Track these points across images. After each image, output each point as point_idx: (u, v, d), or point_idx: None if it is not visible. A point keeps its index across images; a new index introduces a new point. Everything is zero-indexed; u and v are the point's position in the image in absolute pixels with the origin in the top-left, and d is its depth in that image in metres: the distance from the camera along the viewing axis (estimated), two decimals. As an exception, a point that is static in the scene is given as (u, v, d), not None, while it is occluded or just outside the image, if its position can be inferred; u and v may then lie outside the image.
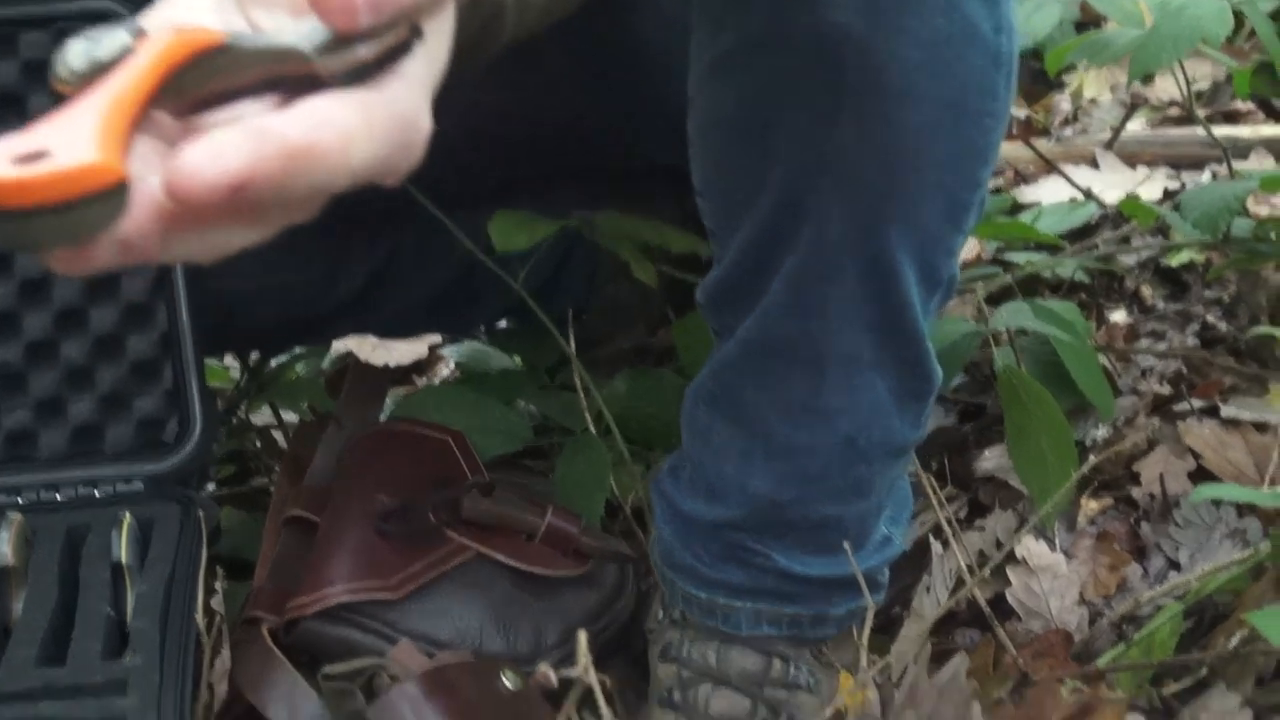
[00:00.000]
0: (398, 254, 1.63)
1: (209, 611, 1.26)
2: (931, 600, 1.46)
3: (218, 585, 1.29)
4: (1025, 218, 2.16)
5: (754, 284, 1.15)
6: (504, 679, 1.25)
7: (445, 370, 2.14)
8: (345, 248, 1.59)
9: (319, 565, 1.37)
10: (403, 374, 2.10)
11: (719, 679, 1.24)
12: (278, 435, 1.77)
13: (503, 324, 1.86)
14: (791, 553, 1.23)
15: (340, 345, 1.93)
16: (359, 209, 1.55)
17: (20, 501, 1.38)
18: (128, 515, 1.33)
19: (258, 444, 1.81)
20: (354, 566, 1.36)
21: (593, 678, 0.76)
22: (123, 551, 1.30)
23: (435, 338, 2.15)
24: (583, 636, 0.78)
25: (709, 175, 1.17)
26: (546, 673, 0.77)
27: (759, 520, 1.23)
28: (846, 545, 1.22)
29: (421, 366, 2.15)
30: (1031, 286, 2.01)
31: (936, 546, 1.48)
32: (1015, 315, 1.64)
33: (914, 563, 1.48)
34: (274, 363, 1.81)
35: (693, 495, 1.25)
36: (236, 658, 1.27)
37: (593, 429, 1.55)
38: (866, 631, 1.25)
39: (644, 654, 1.36)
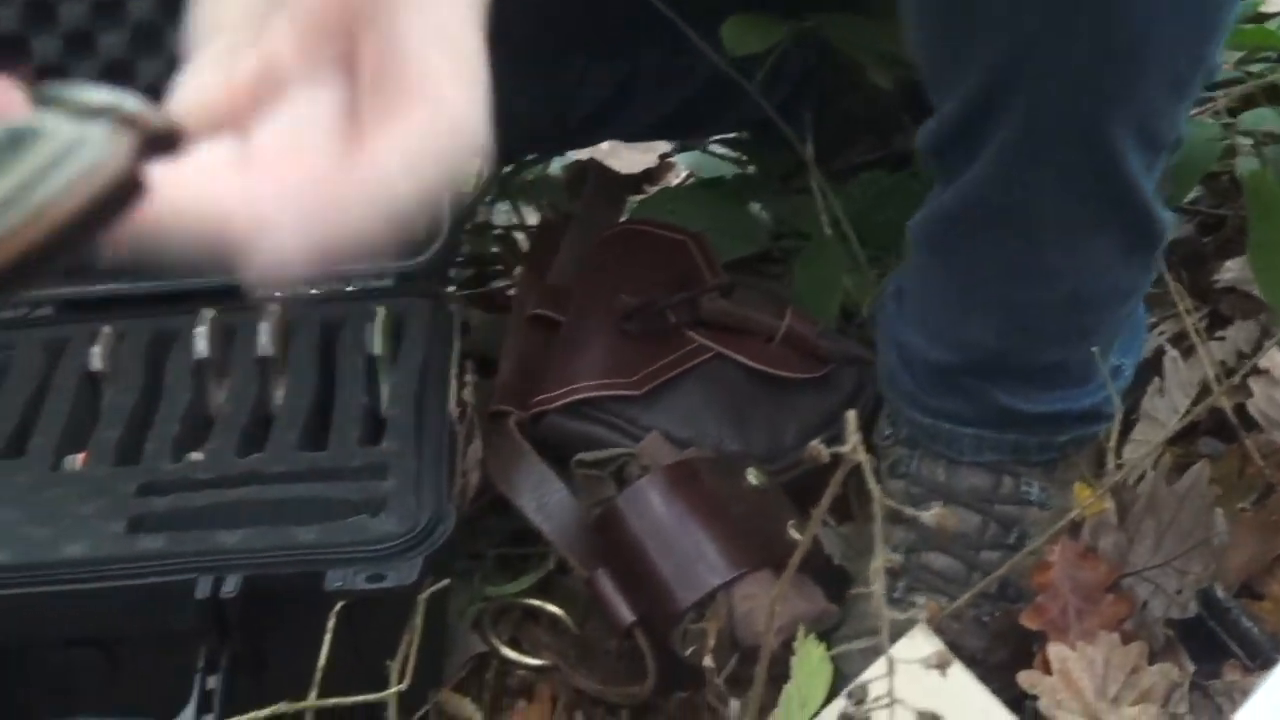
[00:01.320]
0: (642, 69, 1.63)
1: (460, 402, 1.30)
2: (1166, 404, 1.44)
3: (468, 378, 1.33)
4: (1273, 25, 2.09)
5: (965, 149, 1.12)
6: (748, 475, 1.27)
7: (675, 179, 2.15)
8: (584, 68, 1.60)
9: (563, 362, 1.41)
10: (634, 182, 2.11)
11: (948, 496, 1.25)
12: (518, 237, 1.80)
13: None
14: (1014, 391, 1.22)
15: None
16: (605, 23, 1.56)
17: (276, 294, 1.42)
18: (382, 309, 1.38)
19: (495, 248, 1.84)
20: (597, 363, 1.39)
21: (861, 455, 0.77)
22: (377, 344, 1.35)
23: (665, 146, 2.16)
24: (851, 415, 0.79)
25: (923, 36, 1.13)
26: (818, 448, 0.78)
27: (978, 365, 1.22)
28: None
29: (652, 174, 2.16)
30: (1276, 95, 1.95)
31: (1173, 353, 1.47)
32: (1261, 120, 1.59)
33: (1148, 369, 1.47)
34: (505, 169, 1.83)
35: (913, 329, 1.24)
36: (487, 448, 1.31)
37: (829, 233, 1.55)
38: (1113, 440, 1.25)
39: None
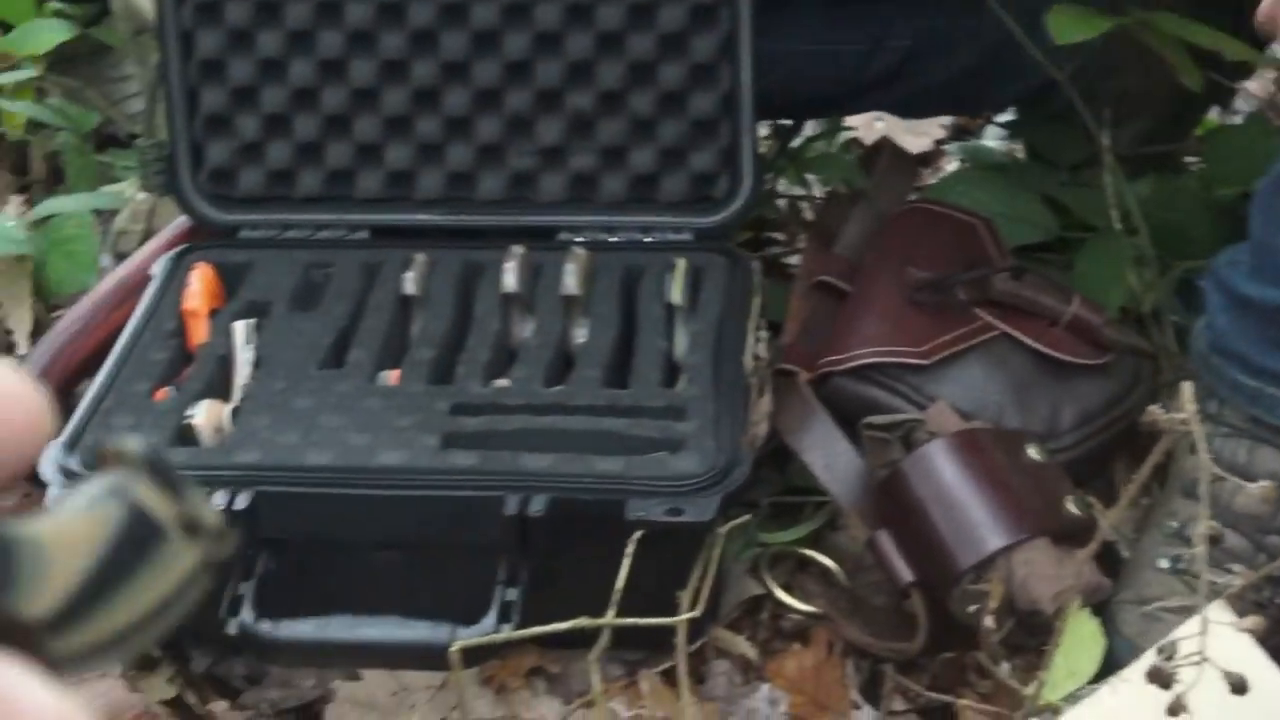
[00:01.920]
0: (930, 32, 1.67)
1: (755, 356, 1.35)
2: None
3: (762, 334, 1.38)
4: None
5: None
6: (1029, 449, 1.31)
7: (949, 166, 2.18)
8: (889, 20, 1.64)
9: (851, 327, 1.45)
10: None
11: (1245, 477, 1.27)
12: (803, 205, 1.85)
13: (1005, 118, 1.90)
14: None
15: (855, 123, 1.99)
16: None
17: (579, 239, 1.49)
18: (682, 260, 1.43)
19: (775, 214, 1.89)
20: (885, 330, 1.43)
21: (1196, 425, 0.80)
22: (676, 293, 1.40)
23: (940, 133, 2.20)
24: (1187, 386, 0.82)
25: None
26: (1157, 411, 0.82)
27: None
28: None
29: (927, 159, 2.19)
30: None
31: None
32: None
33: None
34: (795, 141, 1.88)
35: (1256, 281, 1.27)
36: (777, 403, 1.36)
37: (1119, 226, 1.57)
38: None
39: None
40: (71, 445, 1.26)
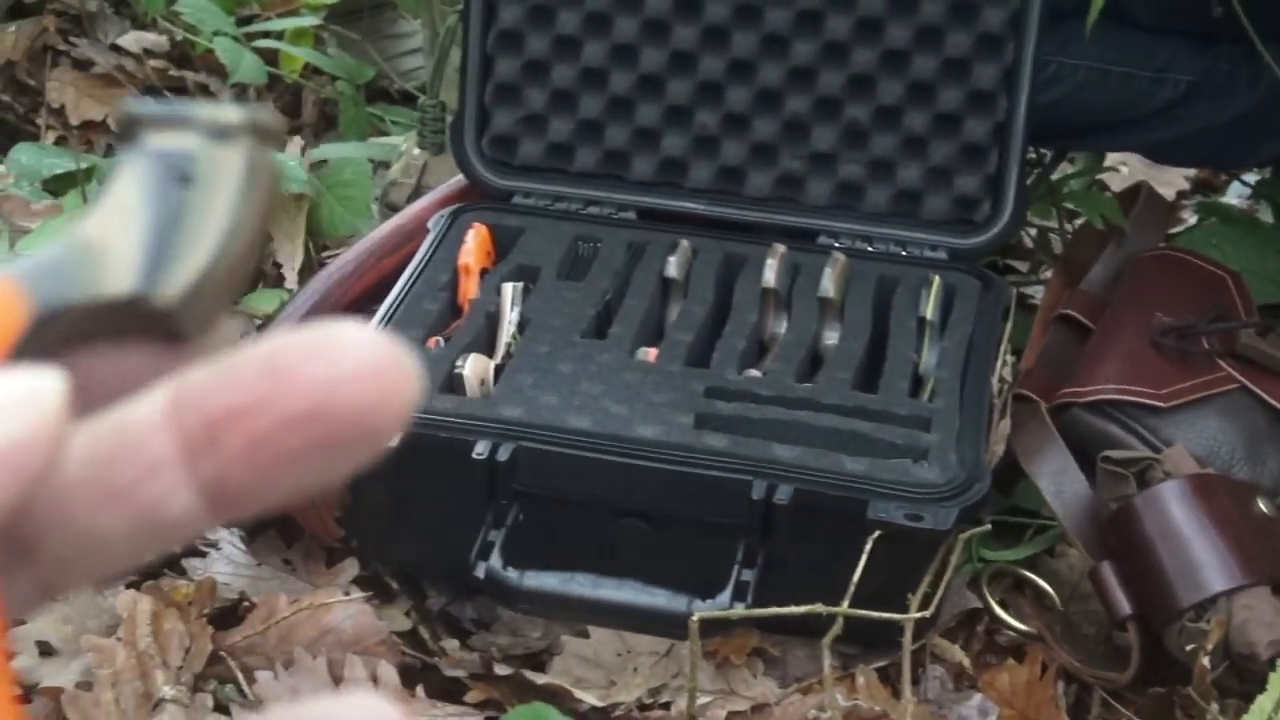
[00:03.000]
0: (1212, 72, 1.68)
1: (1000, 379, 1.39)
2: None
3: (1008, 359, 1.42)
4: None
5: None
6: (1259, 502, 1.34)
7: (1189, 219, 2.19)
8: (1175, 53, 1.66)
9: (1093, 362, 1.48)
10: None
11: None
12: (1053, 238, 1.88)
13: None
14: None
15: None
16: (1189, 18, 1.63)
17: (837, 245, 1.54)
18: (937, 278, 1.48)
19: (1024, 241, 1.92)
20: (1127, 370, 1.47)
21: None
22: (929, 308, 1.45)
23: (1183, 184, 2.21)
24: None
25: None
26: None
27: None
28: None
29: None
30: None
31: None
32: None
33: None
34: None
35: None
36: (1015, 426, 1.40)
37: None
38: None
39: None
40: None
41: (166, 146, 0.37)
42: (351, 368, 0.31)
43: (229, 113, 0.38)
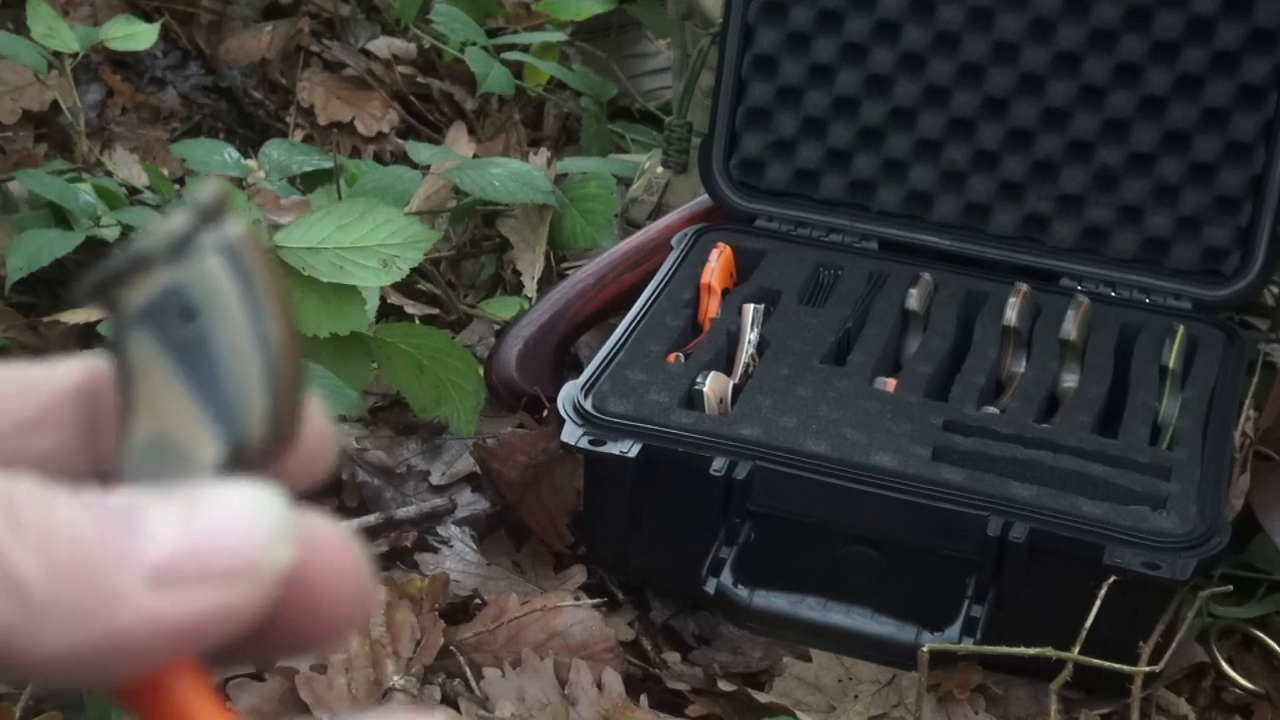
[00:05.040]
0: None
1: (1243, 434, 1.37)
2: None
3: (1250, 414, 1.40)
4: None
5: None
6: None
7: None
8: None
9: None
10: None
11: None
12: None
13: None
14: None
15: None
16: None
17: (1079, 288, 1.53)
18: (1181, 327, 1.46)
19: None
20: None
21: None
22: (1172, 358, 1.44)
23: None
24: None
25: None
26: None
27: None
28: None
29: None
30: None
31: None
32: None
33: None
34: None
35: None
36: (1254, 482, 1.38)
37: None
38: None
39: None
40: (587, 389, 1.36)
41: (148, 297, 0.36)
42: None
43: (176, 221, 0.36)
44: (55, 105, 2.10)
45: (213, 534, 0.34)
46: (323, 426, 0.38)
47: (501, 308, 1.75)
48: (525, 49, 2.19)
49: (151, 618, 0.33)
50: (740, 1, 1.59)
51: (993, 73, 1.55)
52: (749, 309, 1.48)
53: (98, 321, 1.73)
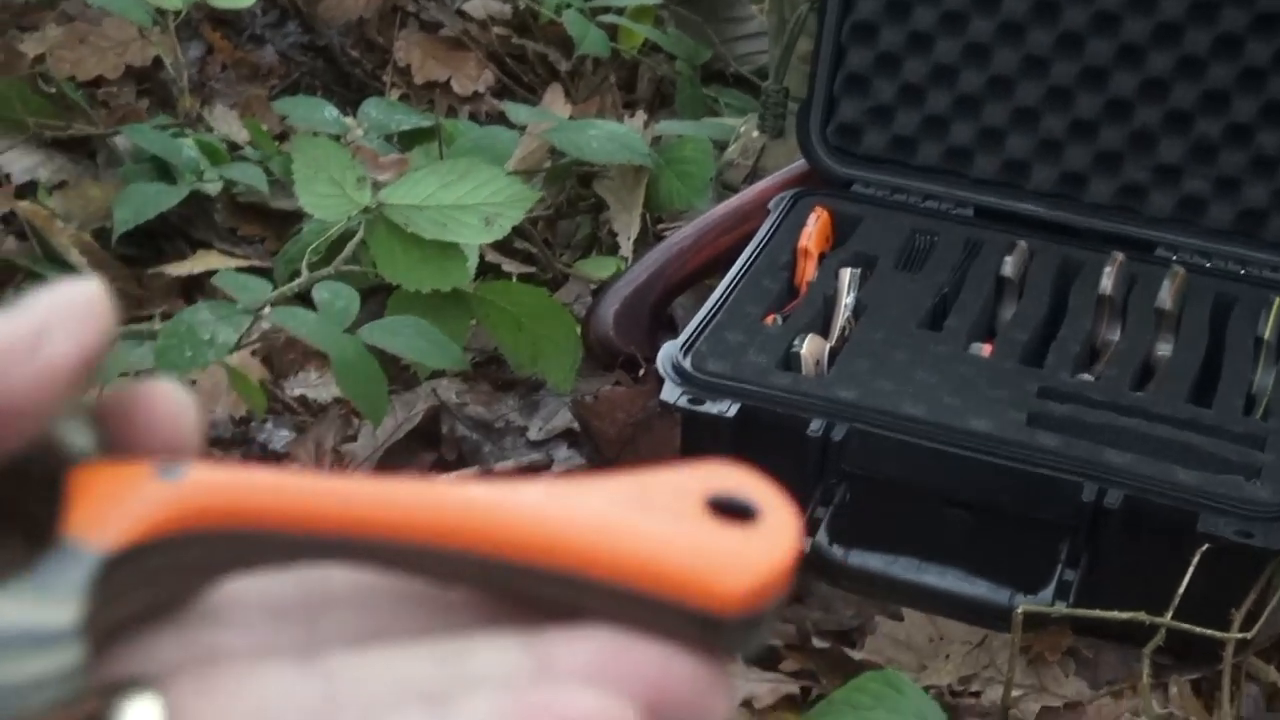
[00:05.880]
0: None
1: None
2: None
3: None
4: None
5: None
6: None
7: None
8: None
9: None
10: None
11: None
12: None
13: None
14: None
15: None
16: None
17: (1174, 259, 1.54)
18: (1277, 299, 1.47)
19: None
20: None
21: None
22: (1268, 329, 1.44)
23: None
24: None
25: None
26: None
27: None
28: None
29: None
30: None
31: None
32: None
33: None
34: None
35: None
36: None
37: None
38: None
39: None
40: (686, 349, 1.38)
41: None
42: None
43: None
44: (157, 61, 2.14)
45: None
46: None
47: (597, 267, 1.77)
48: (620, 12, 2.20)
49: None
50: (842, -32, 1.60)
51: (1092, 43, 1.55)
52: (846, 273, 1.50)
53: (201, 274, 1.77)
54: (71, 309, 0.37)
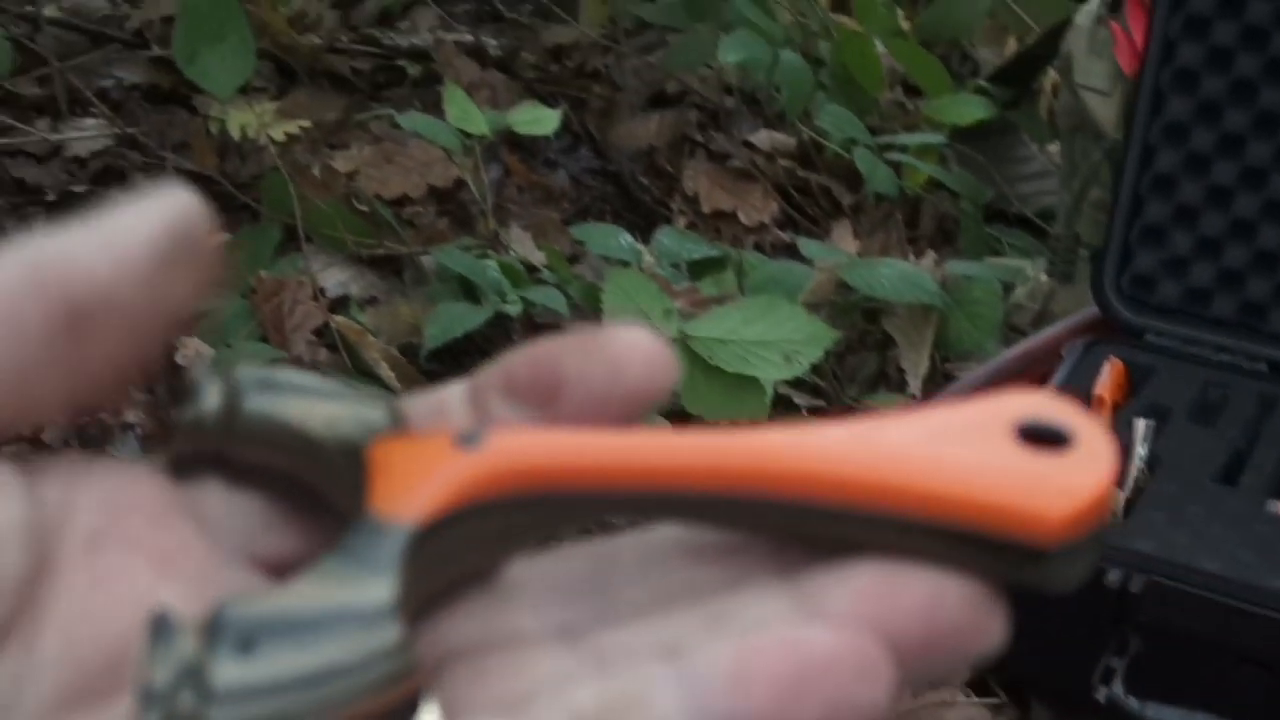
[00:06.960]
0: None
1: None
2: None
3: None
4: None
5: None
6: None
7: None
8: None
9: None
10: None
11: None
12: None
13: None
14: None
15: None
16: None
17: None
18: None
19: None
20: None
21: None
22: None
23: None
24: None
25: None
26: None
27: None
28: None
29: None
30: None
31: None
32: None
33: None
34: None
35: None
36: None
37: None
38: None
39: None
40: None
41: None
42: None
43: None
44: (457, 183, 2.25)
45: None
46: None
47: (885, 404, 1.81)
48: (905, 150, 2.26)
49: None
50: (1143, 122, 1.63)
51: (1399, 205, 1.57)
52: (1140, 424, 1.52)
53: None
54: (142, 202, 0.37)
